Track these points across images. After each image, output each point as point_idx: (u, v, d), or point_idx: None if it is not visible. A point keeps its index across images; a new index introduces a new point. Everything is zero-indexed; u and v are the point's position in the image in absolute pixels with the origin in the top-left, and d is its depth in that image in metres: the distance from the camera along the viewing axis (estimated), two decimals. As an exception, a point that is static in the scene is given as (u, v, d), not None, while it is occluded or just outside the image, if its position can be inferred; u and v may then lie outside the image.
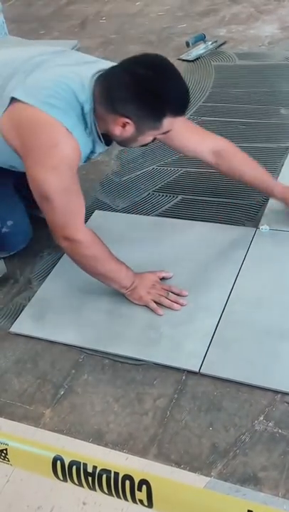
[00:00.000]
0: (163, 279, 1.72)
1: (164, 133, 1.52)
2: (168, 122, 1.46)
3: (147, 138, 1.52)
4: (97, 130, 1.52)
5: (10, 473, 1.34)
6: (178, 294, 1.66)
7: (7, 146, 1.54)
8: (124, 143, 1.56)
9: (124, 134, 1.48)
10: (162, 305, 1.64)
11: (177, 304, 1.63)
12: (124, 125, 1.45)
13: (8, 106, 1.48)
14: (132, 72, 1.42)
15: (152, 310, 1.63)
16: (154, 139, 1.55)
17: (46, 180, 1.46)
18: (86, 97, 1.46)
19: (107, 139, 1.58)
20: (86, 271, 1.62)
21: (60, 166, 1.46)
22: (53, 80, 1.47)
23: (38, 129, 1.45)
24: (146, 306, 1.64)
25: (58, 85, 1.46)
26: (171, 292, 1.66)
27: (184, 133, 1.71)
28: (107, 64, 1.54)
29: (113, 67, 1.48)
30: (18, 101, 1.46)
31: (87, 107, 1.47)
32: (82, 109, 1.47)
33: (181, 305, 1.63)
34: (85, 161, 1.64)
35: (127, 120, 1.44)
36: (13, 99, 1.47)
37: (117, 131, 1.47)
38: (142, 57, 1.46)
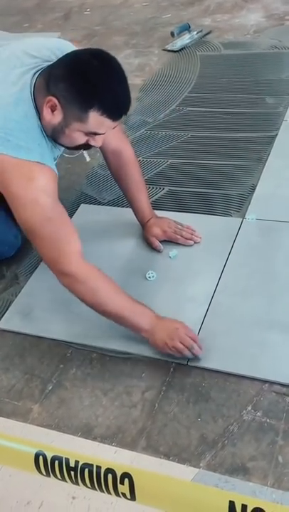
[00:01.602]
0: None
1: (93, 134, 1.40)
2: (95, 119, 1.35)
3: (75, 134, 1.40)
4: (45, 131, 1.44)
5: (-2, 469, 1.34)
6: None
7: None
8: (54, 135, 1.43)
9: (53, 121, 1.39)
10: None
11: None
12: (52, 109, 1.37)
13: None
14: (76, 55, 1.39)
15: (180, 353, 1.44)
16: (88, 145, 1.44)
17: (28, 215, 1.40)
18: (32, 112, 1.41)
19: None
20: (94, 310, 1.47)
21: (39, 197, 1.39)
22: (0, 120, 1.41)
23: (11, 174, 1.39)
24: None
25: (7, 121, 1.40)
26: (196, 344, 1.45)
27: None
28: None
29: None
30: None
31: (39, 119, 1.42)
32: (38, 124, 1.42)
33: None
34: None
35: (55, 101, 1.35)
36: None
37: (47, 115, 1.38)
38: (96, 49, 1.40)
